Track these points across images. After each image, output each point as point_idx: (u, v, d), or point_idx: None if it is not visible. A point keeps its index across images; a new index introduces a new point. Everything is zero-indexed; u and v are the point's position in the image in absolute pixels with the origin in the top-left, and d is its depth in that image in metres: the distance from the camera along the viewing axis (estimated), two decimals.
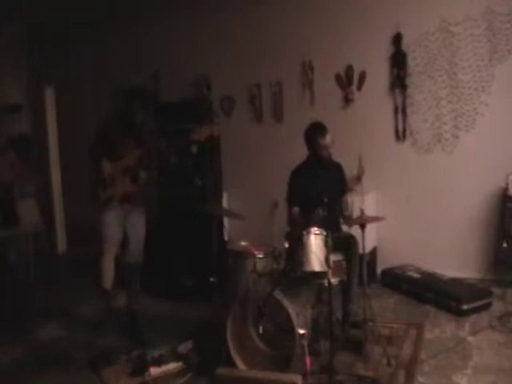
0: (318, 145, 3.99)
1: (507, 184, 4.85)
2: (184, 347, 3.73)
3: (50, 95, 7.45)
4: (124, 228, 4.14)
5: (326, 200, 3.35)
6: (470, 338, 3.85)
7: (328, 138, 3.99)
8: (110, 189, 4.04)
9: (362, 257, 3.82)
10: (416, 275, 4.98)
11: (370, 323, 3.82)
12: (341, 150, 4.21)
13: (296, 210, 4.05)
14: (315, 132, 4.01)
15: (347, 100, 5.58)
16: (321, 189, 3.79)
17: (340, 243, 3.69)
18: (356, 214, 3.90)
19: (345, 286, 3.79)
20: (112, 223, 4.07)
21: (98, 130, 4.21)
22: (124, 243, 4.15)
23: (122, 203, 4.08)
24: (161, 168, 4.42)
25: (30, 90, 7.46)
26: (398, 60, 5.31)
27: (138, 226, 4.19)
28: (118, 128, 4.13)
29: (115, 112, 4.24)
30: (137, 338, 4.07)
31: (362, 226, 3.72)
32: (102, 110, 6.06)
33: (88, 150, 4.14)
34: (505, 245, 4.80)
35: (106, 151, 4.05)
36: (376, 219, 4.15)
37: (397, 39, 5.29)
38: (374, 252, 5.39)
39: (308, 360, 3.07)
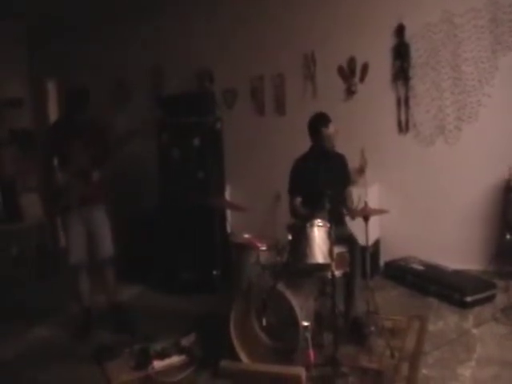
0: (321, 135, 3.98)
1: (510, 175, 4.85)
2: (187, 340, 3.74)
3: (51, 89, 7.42)
4: (89, 230, 4.15)
5: (328, 192, 3.32)
6: (474, 330, 3.84)
7: (331, 128, 3.97)
8: (65, 196, 4.01)
9: (365, 249, 3.81)
10: (419, 267, 4.98)
11: (374, 315, 3.82)
12: (343, 142, 4.19)
13: (298, 200, 4.04)
14: (318, 122, 3.99)
15: (350, 92, 5.56)
16: (323, 180, 3.78)
17: (341, 242, 3.68)
18: (359, 206, 3.88)
19: (347, 279, 3.78)
20: (74, 239, 4.11)
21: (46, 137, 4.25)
22: (92, 242, 4.17)
23: (80, 207, 4.05)
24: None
25: (32, 84, 7.42)
26: (401, 51, 5.28)
27: (101, 225, 4.19)
28: (63, 131, 4.09)
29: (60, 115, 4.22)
30: (126, 330, 4.09)
31: (366, 219, 3.70)
32: (103, 106, 6.04)
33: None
34: (508, 236, 4.80)
35: (56, 157, 4.06)
36: (379, 211, 4.14)
37: (399, 30, 5.26)
38: (377, 244, 5.37)
39: (311, 352, 3.07)
